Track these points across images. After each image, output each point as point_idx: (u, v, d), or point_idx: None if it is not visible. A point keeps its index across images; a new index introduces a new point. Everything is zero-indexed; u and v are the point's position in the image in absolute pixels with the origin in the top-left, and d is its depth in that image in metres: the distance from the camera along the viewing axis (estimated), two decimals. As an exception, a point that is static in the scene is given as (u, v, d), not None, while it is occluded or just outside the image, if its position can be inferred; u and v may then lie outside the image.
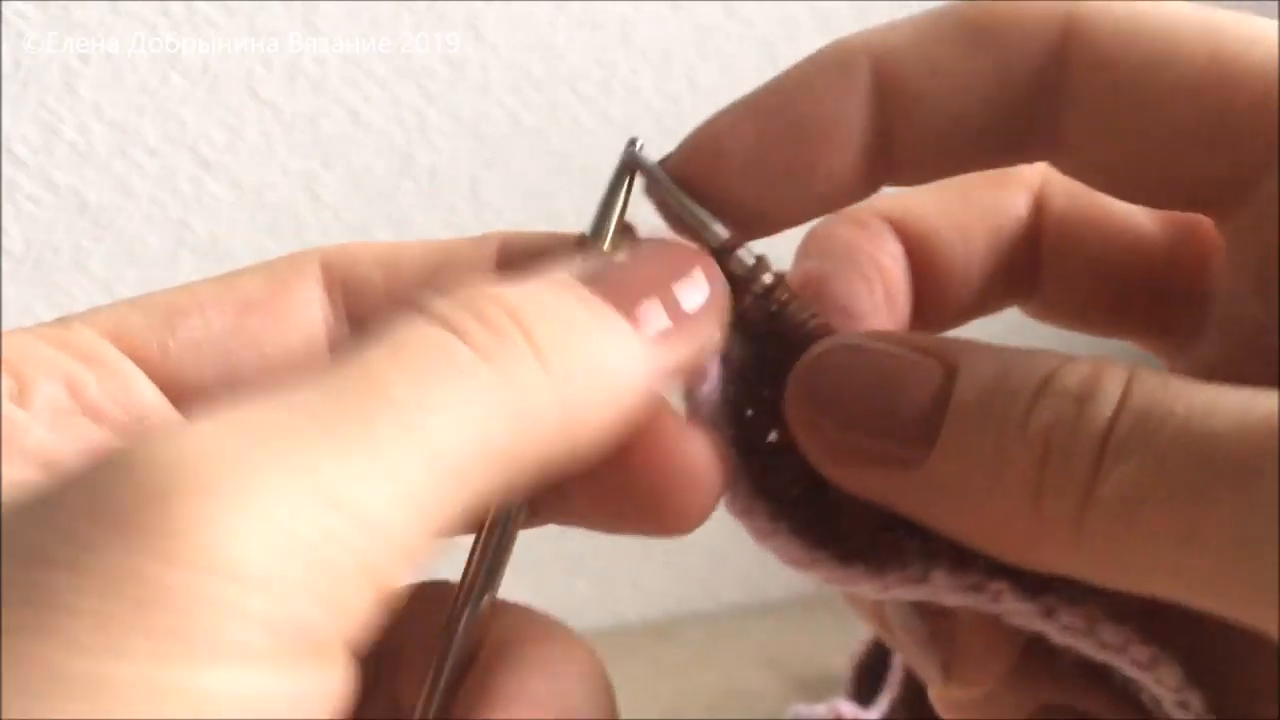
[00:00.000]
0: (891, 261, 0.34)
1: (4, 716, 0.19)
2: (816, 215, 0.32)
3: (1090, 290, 0.35)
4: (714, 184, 0.31)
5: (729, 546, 1.11)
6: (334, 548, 0.22)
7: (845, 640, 0.90)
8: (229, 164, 0.90)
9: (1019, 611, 0.29)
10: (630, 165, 0.32)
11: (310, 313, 0.32)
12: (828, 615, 1.05)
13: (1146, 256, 0.34)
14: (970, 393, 0.28)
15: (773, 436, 0.31)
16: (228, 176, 0.91)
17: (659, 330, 0.28)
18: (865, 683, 0.88)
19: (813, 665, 1.00)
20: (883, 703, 0.84)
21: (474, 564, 0.30)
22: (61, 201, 0.88)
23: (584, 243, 0.31)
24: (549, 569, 0.89)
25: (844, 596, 0.35)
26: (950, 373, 0.28)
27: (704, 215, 0.31)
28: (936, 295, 0.35)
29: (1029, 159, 0.31)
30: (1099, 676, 0.32)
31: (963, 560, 0.29)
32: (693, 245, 0.31)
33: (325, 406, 0.24)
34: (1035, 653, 0.33)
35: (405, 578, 0.24)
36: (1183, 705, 0.29)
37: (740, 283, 0.31)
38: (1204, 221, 0.32)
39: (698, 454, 0.30)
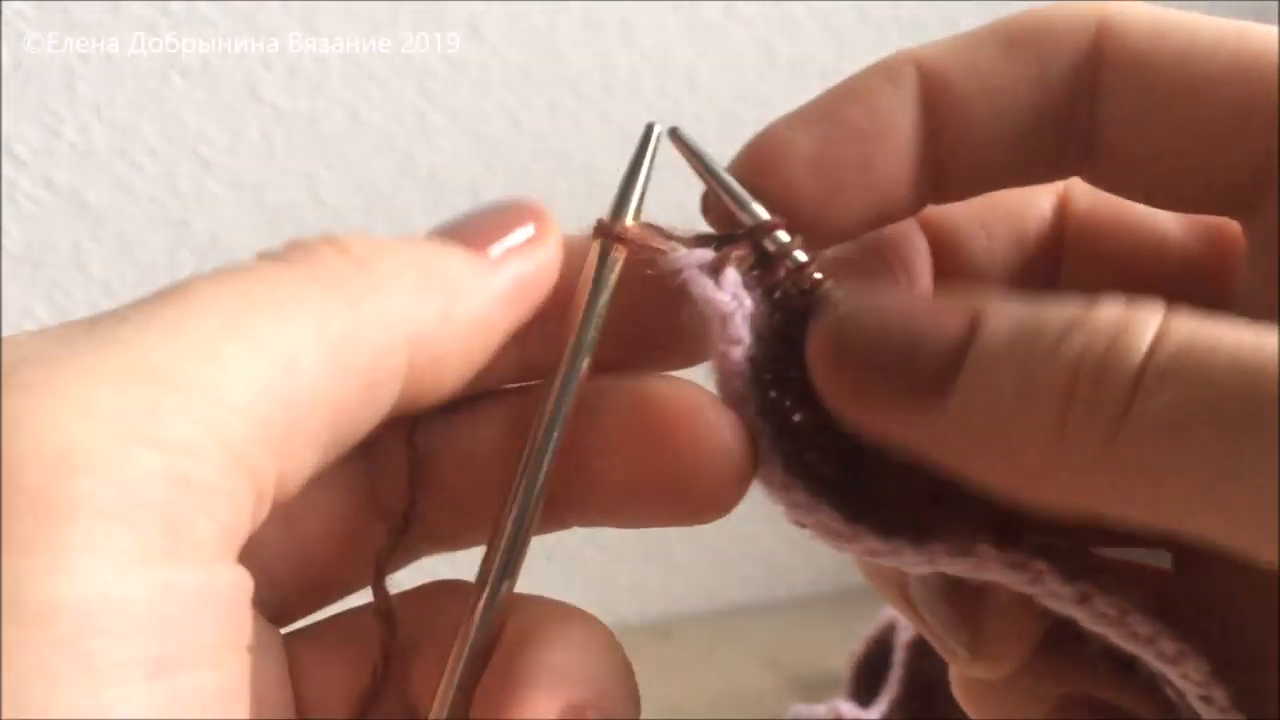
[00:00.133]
0: (916, 255, 0.34)
1: None
2: (873, 224, 0.33)
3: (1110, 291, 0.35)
4: (775, 189, 0.31)
5: (729, 546, 1.11)
6: (184, 428, 0.21)
7: (845, 640, 0.90)
8: (229, 164, 0.90)
9: (1057, 594, 0.29)
10: (646, 149, 0.33)
11: None
12: (828, 615, 1.05)
13: (1168, 262, 0.34)
14: (998, 330, 0.27)
15: (799, 417, 0.31)
16: (228, 176, 0.91)
17: (491, 254, 0.30)
18: (865, 683, 0.88)
19: (813, 665, 1.00)
20: (883, 703, 0.84)
21: (493, 553, 0.30)
22: (61, 201, 0.88)
23: (601, 226, 0.32)
24: (548, 569, 0.89)
25: (865, 574, 0.35)
26: (975, 319, 0.28)
27: (740, 189, 0.32)
28: (959, 291, 0.35)
29: (1067, 167, 0.32)
30: (1123, 668, 0.32)
31: (1007, 537, 0.29)
32: (523, 198, 0.32)
33: (138, 312, 0.23)
34: (1059, 643, 0.33)
35: (282, 473, 0.24)
36: (1206, 700, 0.28)
37: (773, 261, 0.31)
38: (1227, 228, 0.33)
39: (728, 433, 0.30)
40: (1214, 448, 0.24)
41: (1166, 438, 0.25)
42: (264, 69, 0.89)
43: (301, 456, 0.25)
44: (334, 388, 0.25)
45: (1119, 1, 0.31)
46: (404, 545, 0.32)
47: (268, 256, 0.27)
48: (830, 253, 0.34)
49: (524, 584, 0.31)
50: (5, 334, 0.28)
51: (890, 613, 0.86)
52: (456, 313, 0.28)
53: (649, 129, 0.33)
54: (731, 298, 0.31)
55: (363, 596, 0.33)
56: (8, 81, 0.84)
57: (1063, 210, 0.35)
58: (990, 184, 0.33)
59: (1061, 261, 0.35)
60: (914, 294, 0.30)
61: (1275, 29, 0.29)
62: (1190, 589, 0.31)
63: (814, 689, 0.95)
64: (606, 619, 0.31)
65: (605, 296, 0.31)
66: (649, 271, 0.31)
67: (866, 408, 0.29)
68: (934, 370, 0.28)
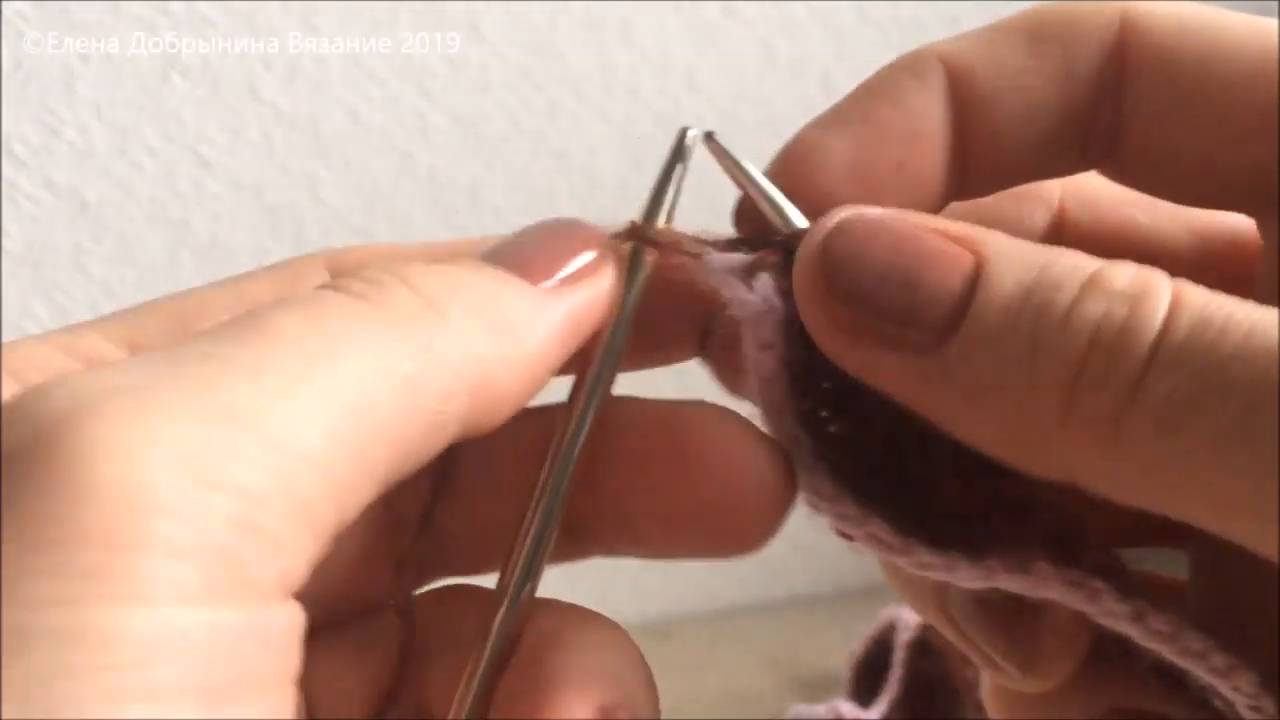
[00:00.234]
0: None
1: None
2: None
3: None
4: (814, 195, 0.31)
5: (729, 546, 1.11)
6: (257, 475, 0.22)
7: (845, 640, 0.90)
8: (229, 164, 0.90)
9: (1112, 612, 0.28)
10: (680, 154, 0.32)
11: None
12: (828, 615, 1.05)
13: (1169, 269, 0.34)
14: (1006, 281, 0.27)
15: (834, 428, 0.30)
16: (228, 176, 0.91)
17: (548, 284, 0.29)
18: (865, 683, 0.88)
19: (813, 665, 1.00)
20: (883, 703, 0.84)
21: (516, 557, 0.30)
22: (61, 201, 0.88)
23: (634, 229, 0.32)
24: (549, 569, 0.89)
25: (898, 588, 0.35)
26: (979, 263, 0.27)
27: (777, 194, 0.31)
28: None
29: (1089, 161, 0.32)
30: (1169, 678, 0.31)
31: (1063, 553, 0.28)
32: (578, 222, 0.31)
33: (218, 348, 0.24)
34: (1105, 654, 0.32)
35: (342, 518, 0.24)
36: (1256, 710, 0.28)
37: None
38: (1242, 235, 0.33)
39: (767, 463, 0.29)
40: (1222, 427, 0.24)
41: (1174, 420, 0.24)
42: (264, 69, 0.89)
43: (361, 499, 0.25)
44: (399, 430, 0.25)
45: None
46: (422, 563, 0.32)
47: (338, 290, 0.27)
48: None
49: (524, 584, 0.31)
50: (5, 334, 0.28)
51: (890, 613, 0.86)
52: (518, 354, 0.28)
53: (683, 133, 0.32)
54: (764, 301, 0.30)
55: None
56: (8, 81, 0.84)
57: (1059, 225, 0.35)
58: (1013, 179, 0.33)
59: None
60: (913, 219, 0.29)
61: None
62: (1207, 591, 0.31)
63: (814, 689, 0.95)
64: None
65: (635, 298, 0.31)
66: (678, 277, 0.31)
67: (853, 346, 0.28)
68: (934, 317, 0.27)
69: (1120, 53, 0.31)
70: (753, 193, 0.32)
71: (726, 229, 0.33)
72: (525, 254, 0.30)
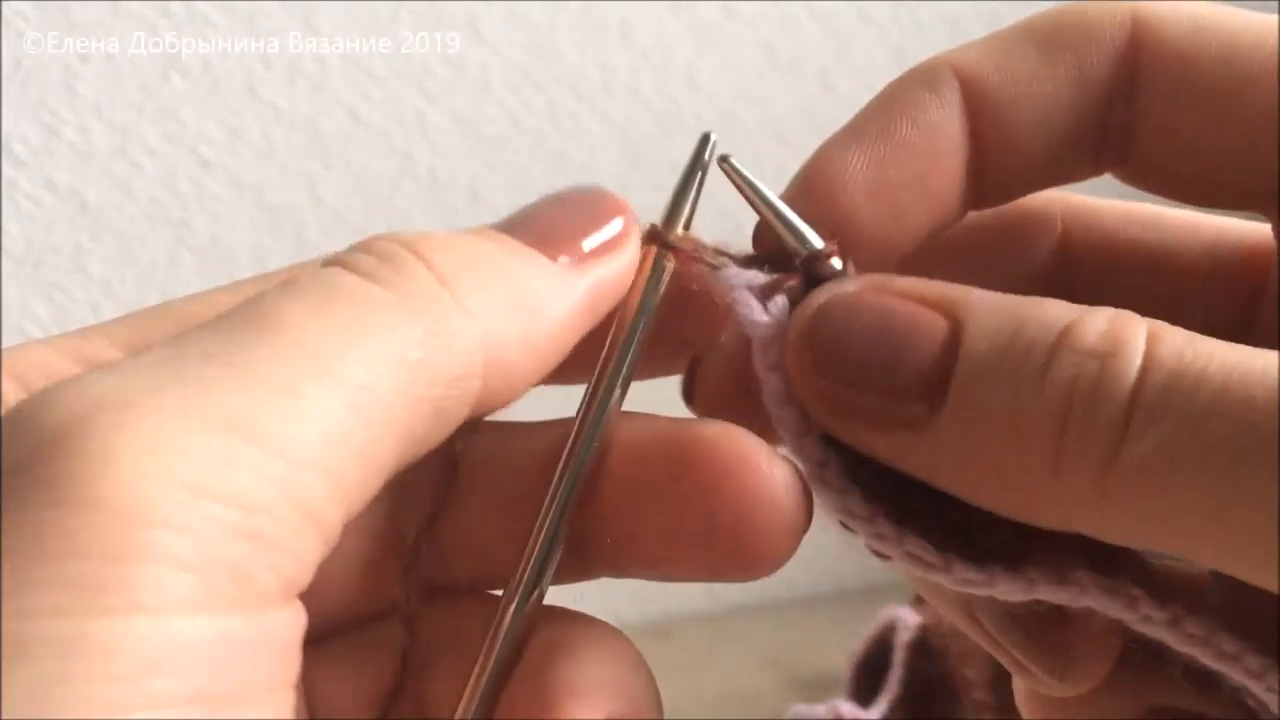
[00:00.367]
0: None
1: None
2: (928, 239, 0.32)
3: None
4: (834, 213, 0.31)
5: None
6: (260, 484, 0.22)
7: (845, 640, 0.90)
8: (229, 164, 0.90)
9: (1150, 618, 0.28)
10: (702, 159, 0.32)
11: None
12: (828, 615, 1.05)
13: (1180, 284, 0.34)
14: (981, 347, 0.27)
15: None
16: (228, 176, 0.91)
17: (570, 257, 0.28)
18: (865, 683, 0.87)
19: (813, 665, 1.00)
20: (883, 703, 0.84)
21: (526, 560, 0.30)
22: (61, 201, 0.88)
23: (655, 232, 0.31)
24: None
25: (927, 594, 0.35)
26: (955, 326, 0.27)
27: (799, 221, 0.31)
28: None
29: (1103, 166, 0.32)
30: (1206, 679, 0.31)
31: (1105, 563, 0.28)
32: (602, 190, 0.31)
33: (220, 346, 0.23)
34: (1138, 655, 0.32)
35: (349, 513, 0.24)
36: None
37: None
38: (1252, 247, 0.33)
39: (782, 484, 0.29)
40: (1207, 485, 0.24)
41: (1157, 476, 0.25)
42: (264, 69, 0.89)
43: (369, 492, 0.25)
44: (408, 419, 0.25)
45: None
46: (425, 570, 0.32)
47: (348, 269, 0.26)
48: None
49: (524, 583, 0.31)
50: (5, 334, 0.28)
51: (890, 613, 0.86)
52: (535, 333, 0.27)
53: (705, 138, 0.32)
54: (776, 324, 0.30)
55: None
56: (8, 81, 0.84)
57: (1066, 251, 0.35)
58: (1030, 186, 0.33)
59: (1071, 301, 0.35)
60: (895, 287, 0.29)
61: None
62: (1228, 583, 0.31)
63: (814, 689, 0.94)
64: (606, 619, 0.31)
65: (655, 302, 0.31)
66: (696, 287, 0.31)
67: (847, 424, 0.29)
68: (917, 390, 0.27)
69: (1133, 55, 0.30)
70: (767, 215, 0.31)
71: (742, 240, 0.32)
72: (546, 225, 0.29)
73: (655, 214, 0.32)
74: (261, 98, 0.89)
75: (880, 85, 0.32)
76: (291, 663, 0.23)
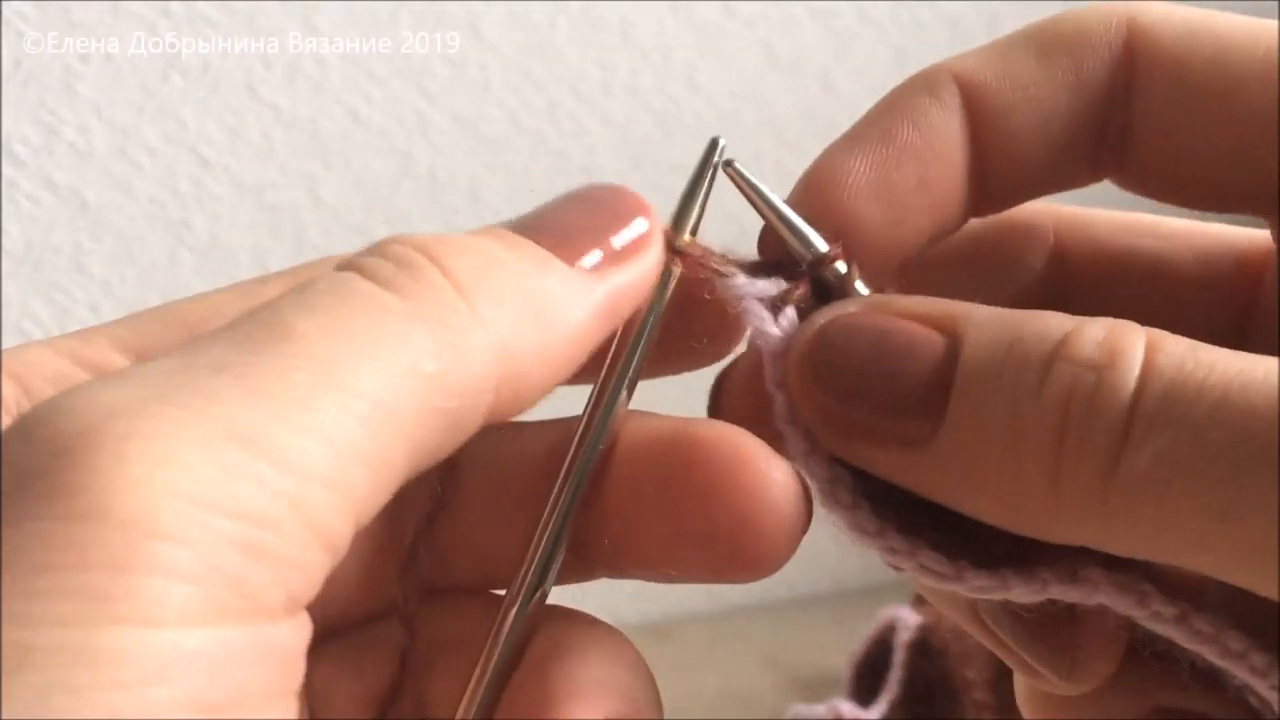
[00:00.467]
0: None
1: None
2: (929, 244, 0.33)
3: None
4: (838, 217, 0.31)
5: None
6: (268, 499, 0.22)
7: (845, 640, 0.90)
8: (229, 164, 0.90)
9: (1160, 615, 0.28)
10: (710, 164, 0.32)
11: None
12: (828, 615, 1.05)
13: (1175, 291, 0.34)
14: (978, 361, 0.27)
15: None
16: (228, 176, 0.91)
17: (589, 261, 0.28)
18: (865, 683, 0.87)
19: (813, 665, 1.00)
20: (883, 703, 0.84)
21: (529, 561, 0.30)
22: (61, 201, 0.88)
23: (666, 239, 0.31)
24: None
25: (930, 594, 0.35)
26: (953, 342, 0.27)
27: (805, 226, 0.31)
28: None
29: (1100, 170, 0.32)
30: (1209, 678, 0.31)
31: (1114, 558, 0.28)
32: (624, 189, 0.30)
33: (233, 356, 0.23)
34: (1143, 656, 0.32)
35: (358, 524, 0.24)
36: None
37: (833, 295, 0.31)
38: (1245, 254, 0.33)
39: (780, 485, 0.29)
40: (1208, 494, 0.24)
41: (1157, 487, 0.25)
42: (264, 69, 0.89)
43: (377, 502, 0.24)
44: (419, 429, 0.24)
45: (1146, 1, 0.31)
46: (425, 572, 0.32)
47: (364, 275, 0.25)
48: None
49: (524, 584, 0.31)
50: (5, 334, 0.28)
51: (890, 613, 0.86)
52: (552, 342, 0.27)
53: (713, 143, 0.32)
54: (784, 339, 0.30)
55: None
56: (8, 81, 0.84)
57: (1060, 261, 0.35)
58: (1029, 191, 0.33)
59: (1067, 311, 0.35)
60: (894, 306, 0.29)
61: None
62: (1226, 590, 0.31)
63: (814, 689, 0.94)
64: (606, 619, 0.31)
65: (662, 308, 0.30)
66: (709, 296, 0.31)
67: (850, 443, 0.29)
68: (916, 408, 0.27)
69: (1129, 59, 0.31)
70: (773, 220, 0.31)
71: (747, 244, 0.32)
72: (565, 227, 0.28)
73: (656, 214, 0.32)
74: (261, 98, 0.89)
75: (880, 86, 0.33)
76: (294, 671, 0.23)
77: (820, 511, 0.30)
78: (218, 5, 0.86)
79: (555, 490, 0.30)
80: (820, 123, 0.96)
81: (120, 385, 0.22)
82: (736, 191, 0.32)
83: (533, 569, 0.30)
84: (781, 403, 0.30)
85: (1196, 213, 0.33)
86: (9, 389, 0.27)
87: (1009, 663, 0.34)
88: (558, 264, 0.28)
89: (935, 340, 0.28)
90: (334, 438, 0.23)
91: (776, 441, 0.30)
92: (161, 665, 0.20)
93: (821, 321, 0.29)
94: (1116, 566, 0.28)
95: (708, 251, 0.31)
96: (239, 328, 0.24)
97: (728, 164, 0.32)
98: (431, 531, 0.32)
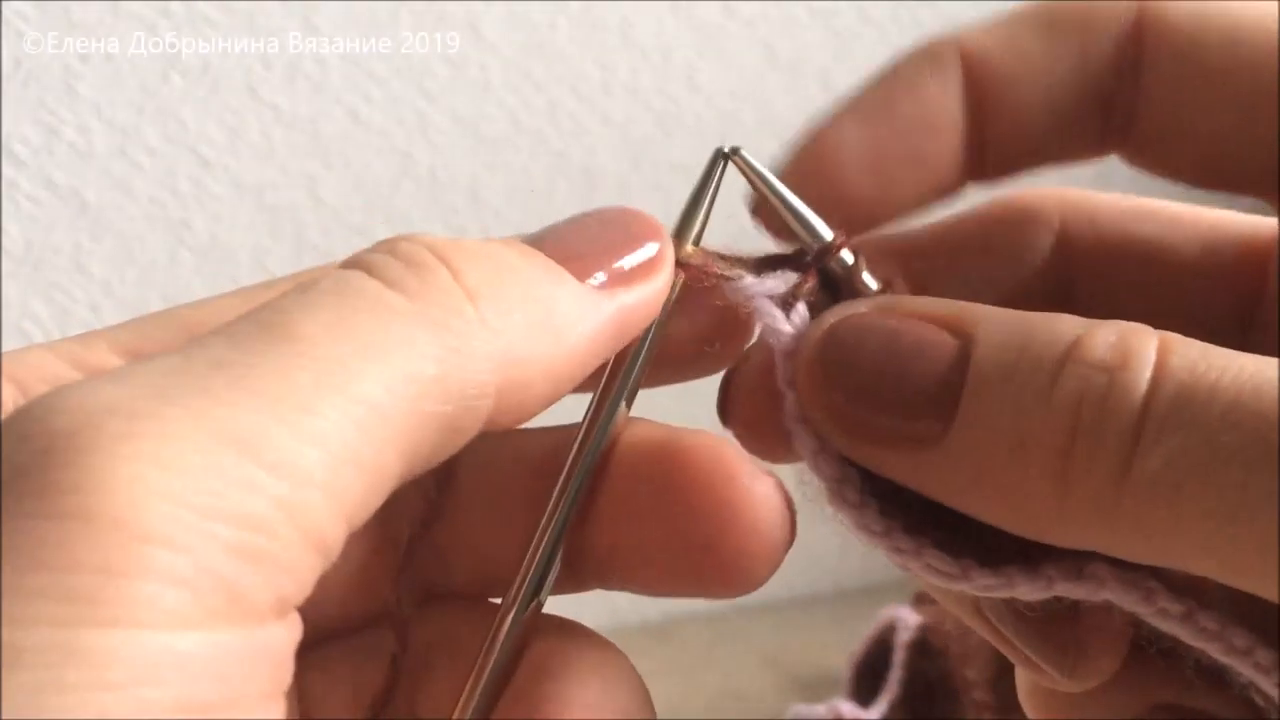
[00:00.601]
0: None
1: None
2: (918, 210, 0.33)
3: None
4: (830, 185, 0.31)
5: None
6: (262, 503, 0.22)
7: (845, 640, 0.90)
8: (229, 164, 0.90)
9: (1165, 611, 0.28)
10: (714, 176, 0.32)
11: None
12: (828, 615, 1.05)
13: (1180, 278, 0.34)
14: (989, 362, 0.27)
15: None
16: (228, 176, 0.91)
17: (600, 279, 0.28)
18: (865, 683, 0.88)
19: (813, 665, 1.00)
20: (883, 703, 0.84)
21: (526, 567, 0.30)
22: (61, 201, 0.88)
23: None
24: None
25: (934, 590, 0.34)
26: (965, 343, 0.27)
27: (810, 214, 0.31)
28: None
29: (1105, 146, 0.32)
30: (1213, 676, 0.31)
31: (1117, 561, 0.28)
32: (638, 211, 0.30)
33: (234, 355, 0.23)
34: (1147, 653, 0.32)
35: (352, 528, 0.24)
36: None
37: (840, 286, 0.31)
38: (1250, 241, 0.33)
39: (764, 500, 0.29)
40: (1220, 497, 0.24)
41: (1169, 491, 0.24)
42: (264, 69, 0.89)
43: (371, 506, 0.24)
44: (416, 433, 0.24)
45: None
46: (418, 578, 0.32)
47: (372, 274, 0.25)
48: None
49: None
50: (5, 334, 0.28)
51: (890, 613, 0.86)
52: (557, 356, 0.27)
53: (718, 153, 0.32)
54: (796, 335, 0.30)
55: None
56: (8, 81, 0.84)
57: (1065, 246, 0.35)
58: (1031, 164, 0.33)
59: (1071, 298, 0.35)
60: (904, 307, 0.29)
61: None
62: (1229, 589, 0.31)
63: (814, 689, 0.94)
64: (607, 619, 0.31)
65: (664, 318, 0.30)
66: (719, 303, 0.31)
67: (863, 447, 0.29)
68: (926, 409, 0.27)
69: (1137, 35, 0.31)
70: (782, 210, 0.31)
71: (749, 242, 0.32)
72: (579, 244, 0.28)
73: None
74: (261, 98, 0.89)
75: (881, 86, 0.32)
76: (284, 672, 0.23)
77: (822, 510, 0.30)
78: (218, 5, 0.86)
79: (554, 498, 0.30)
80: (820, 123, 0.95)
81: (117, 383, 0.22)
82: (736, 190, 0.32)
83: (529, 576, 0.30)
84: (792, 401, 0.30)
85: (1202, 194, 0.33)
86: (8, 391, 0.27)
87: (1012, 659, 0.34)
88: (569, 278, 0.27)
89: (947, 341, 0.28)
90: (331, 442, 0.23)
91: (785, 440, 0.30)
92: (152, 666, 0.20)
93: (832, 320, 0.29)
94: (1122, 563, 0.28)
95: (710, 259, 0.31)
96: (240, 326, 0.24)
97: (734, 152, 0.32)
98: (427, 535, 0.31)
